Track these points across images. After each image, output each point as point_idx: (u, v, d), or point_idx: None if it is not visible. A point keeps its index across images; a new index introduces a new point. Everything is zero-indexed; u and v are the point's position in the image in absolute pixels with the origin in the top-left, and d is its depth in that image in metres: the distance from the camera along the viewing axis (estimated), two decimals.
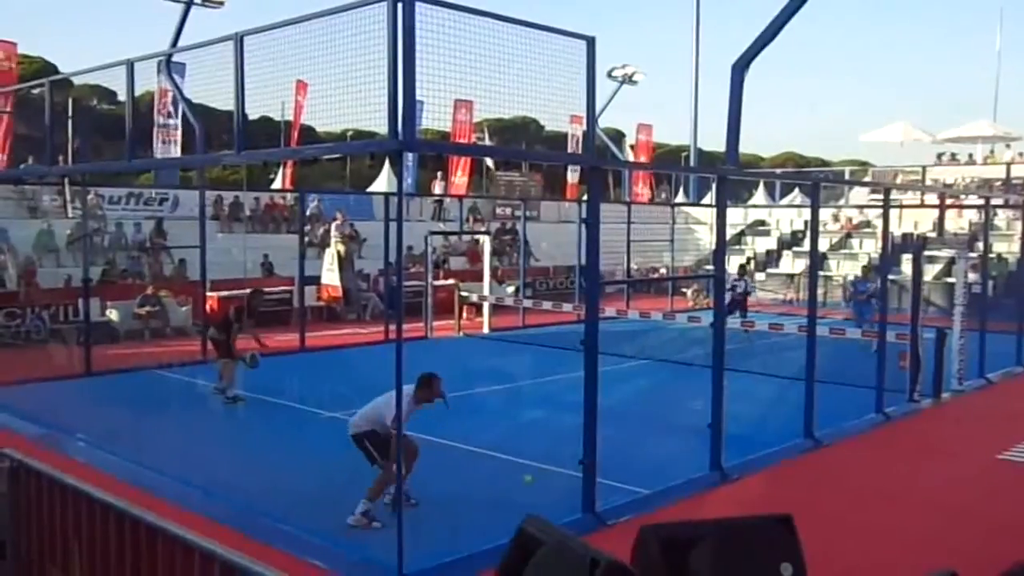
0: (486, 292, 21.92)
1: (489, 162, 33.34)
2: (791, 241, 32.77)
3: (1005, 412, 13.41)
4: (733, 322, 16.38)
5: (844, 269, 29.81)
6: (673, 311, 21.57)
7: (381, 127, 6.80)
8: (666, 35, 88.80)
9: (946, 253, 23.79)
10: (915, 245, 14.93)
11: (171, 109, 19.72)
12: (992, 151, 37.03)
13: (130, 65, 10.64)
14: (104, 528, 4.19)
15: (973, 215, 27.34)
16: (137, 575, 4.01)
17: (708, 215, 30.26)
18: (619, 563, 2.36)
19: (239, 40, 8.41)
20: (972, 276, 16.92)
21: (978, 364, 15.22)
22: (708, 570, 2.40)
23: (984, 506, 8.97)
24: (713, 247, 12.11)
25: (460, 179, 29.75)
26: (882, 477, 9.95)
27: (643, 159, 32.86)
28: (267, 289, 22.15)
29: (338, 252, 22.04)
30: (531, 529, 2.66)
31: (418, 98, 6.68)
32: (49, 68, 31.74)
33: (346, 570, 6.83)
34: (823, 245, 28.91)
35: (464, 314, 21.72)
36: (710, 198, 31.29)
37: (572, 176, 32.47)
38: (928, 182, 32.16)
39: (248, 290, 14.97)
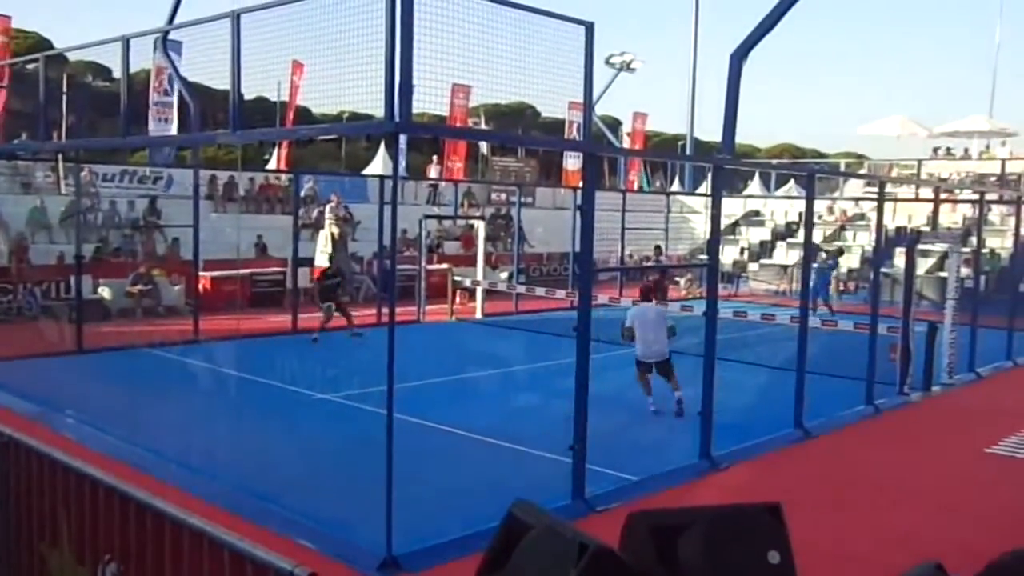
0: (479, 277, 21.92)
1: (483, 147, 33.26)
2: (785, 232, 32.79)
3: (993, 407, 13.47)
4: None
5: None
6: (666, 300, 21.58)
7: (377, 109, 6.78)
8: (665, 23, 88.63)
9: (939, 247, 23.80)
10: (909, 239, 14.93)
11: (167, 87, 19.60)
12: (988, 146, 37.08)
13: (126, 42, 10.58)
14: (93, 504, 4.19)
15: (967, 210, 27.36)
16: (126, 551, 4.01)
17: (703, 204, 30.29)
18: (608, 548, 2.37)
19: (236, 18, 8.37)
20: (965, 271, 16.96)
21: (968, 358, 15.28)
22: (696, 557, 2.41)
23: (970, 499, 9.02)
24: (707, 236, 12.12)
25: (456, 164, 29.69)
26: (870, 468, 9.99)
27: (637, 148, 32.83)
28: (260, 270, 22.24)
29: (332, 234, 21.98)
30: (519, 513, 2.67)
31: (414, 82, 6.65)
32: (44, 44, 31.57)
33: (334, 550, 6.84)
34: (817, 237, 28.95)
35: (457, 299, 21.71)
36: (705, 187, 31.31)
37: (571, 164, 32.44)
38: (923, 176, 32.19)
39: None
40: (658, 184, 37.40)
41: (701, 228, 30.91)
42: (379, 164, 30.12)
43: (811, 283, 15.13)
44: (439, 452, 9.79)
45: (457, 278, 21.82)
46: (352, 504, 7.76)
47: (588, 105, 8.65)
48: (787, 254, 30.77)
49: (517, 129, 38.40)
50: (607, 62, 31.95)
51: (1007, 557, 2.03)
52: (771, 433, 10.86)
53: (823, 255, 21.45)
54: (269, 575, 3.26)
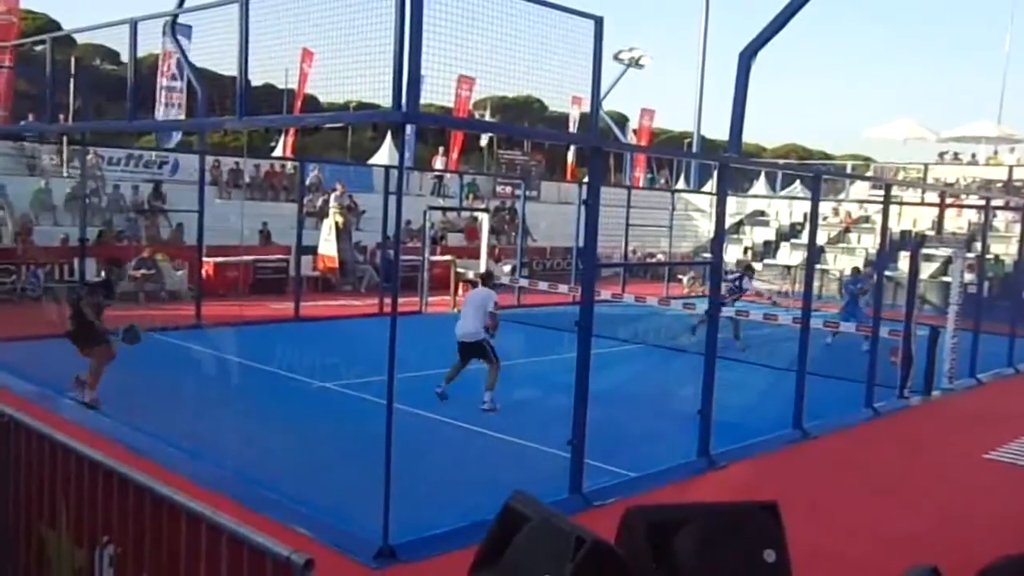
0: (483, 270, 21.91)
1: (485, 140, 33.25)
2: (790, 233, 32.77)
3: (993, 413, 13.46)
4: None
5: (841, 263, 29.83)
6: (668, 297, 21.58)
7: (385, 99, 6.77)
8: (675, 20, 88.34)
9: (943, 252, 23.79)
10: (913, 242, 14.92)
11: (175, 72, 19.58)
12: (995, 152, 36.99)
13: (134, 25, 10.57)
14: (92, 486, 4.20)
15: (972, 215, 27.34)
16: (124, 534, 4.02)
17: (708, 203, 30.27)
18: (604, 542, 2.38)
19: (244, 3, 8.35)
20: (968, 276, 16.93)
21: (969, 364, 15.27)
22: (692, 553, 2.42)
23: (967, 504, 9.02)
24: (711, 235, 12.11)
25: (454, 156, 29.76)
26: (868, 471, 10.00)
27: (644, 144, 32.80)
28: (264, 257, 22.25)
29: (336, 223, 22.02)
30: (518, 506, 2.68)
31: (422, 72, 6.65)
32: (52, 25, 31.53)
33: (331, 539, 6.85)
34: (821, 238, 28.92)
35: (460, 290, 21.71)
36: (711, 186, 31.28)
37: (572, 156, 32.42)
38: (929, 180, 32.15)
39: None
40: (663, 181, 37.33)
41: (705, 226, 30.89)
42: (385, 154, 30.11)
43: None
44: (438, 443, 9.80)
45: (460, 270, 21.82)
46: (350, 493, 7.77)
47: (595, 99, 8.62)
48: (791, 255, 30.77)
49: (523, 122, 38.36)
50: (615, 58, 31.84)
51: (999, 563, 2.05)
52: (770, 433, 10.87)
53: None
54: (266, 560, 3.27)
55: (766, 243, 32.89)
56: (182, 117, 19.46)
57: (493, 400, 11.16)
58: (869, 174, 34.46)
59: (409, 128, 22.10)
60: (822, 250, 28.85)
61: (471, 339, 11.39)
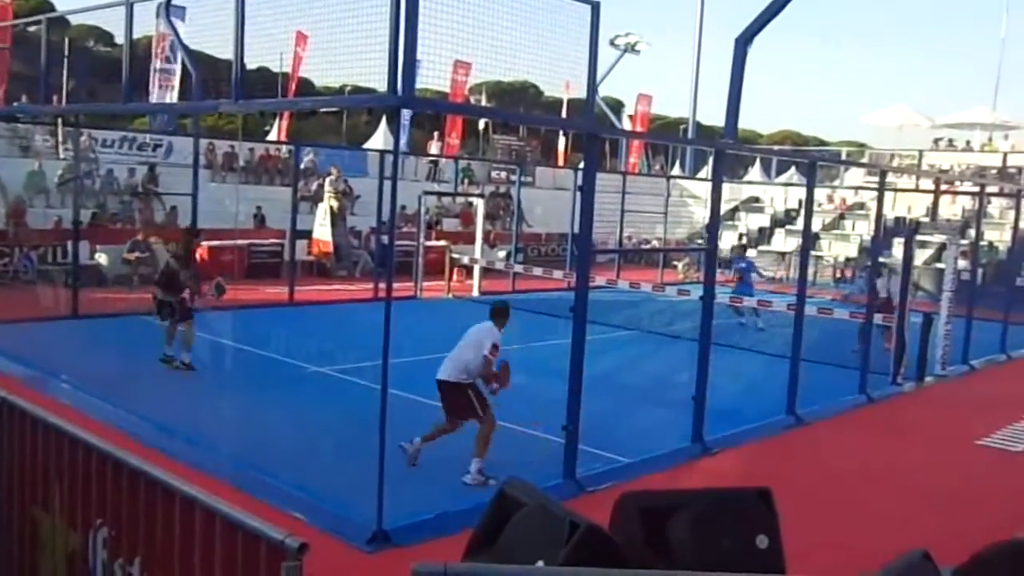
0: (477, 255, 21.91)
1: (481, 125, 33.18)
2: (784, 219, 32.78)
3: (986, 399, 13.51)
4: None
5: (836, 249, 29.87)
6: (663, 283, 21.60)
7: (380, 83, 6.75)
8: (671, 5, 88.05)
9: (938, 239, 23.84)
10: (907, 229, 14.93)
11: (170, 54, 19.49)
12: (990, 139, 37.01)
13: (129, 6, 10.52)
14: (86, 468, 4.20)
15: (967, 202, 27.35)
16: (117, 516, 4.02)
17: (703, 189, 30.26)
18: (598, 527, 2.38)
19: None
20: (962, 263, 16.96)
21: (962, 350, 15.32)
22: (685, 538, 2.43)
23: (959, 490, 9.07)
24: (706, 221, 12.10)
25: (453, 141, 29.65)
26: (861, 457, 10.04)
27: (640, 130, 32.75)
28: (258, 241, 22.20)
29: (331, 207, 21.94)
30: (511, 491, 2.68)
31: (418, 57, 6.62)
32: (46, 6, 31.36)
33: (327, 523, 6.87)
34: (816, 225, 28.93)
35: (454, 276, 21.72)
36: (706, 172, 31.26)
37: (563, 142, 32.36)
38: (924, 167, 32.15)
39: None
40: (658, 167, 37.29)
41: (700, 213, 30.89)
42: (380, 139, 30.03)
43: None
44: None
45: (455, 255, 21.81)
46: (345, 478, 7.77)
47: (592, 85, 8.60)
48: (785, 241, 30.79)
49: (519, 107, 38.21)
50: (612, 43, 31.80)
51: (990, 550, 2.06)
52: (764, 419, 10.90)
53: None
54: (260, 544, 3.27)
55: (761, 230, 32.90)
56: (175, 99, 19.39)
57: (483, 471, 8.05)
58: (864, 160, 34.45)
59: (405, 113, 22.08)
60: (817, 237, 28.86)
61: (451, 378, 8.47)
